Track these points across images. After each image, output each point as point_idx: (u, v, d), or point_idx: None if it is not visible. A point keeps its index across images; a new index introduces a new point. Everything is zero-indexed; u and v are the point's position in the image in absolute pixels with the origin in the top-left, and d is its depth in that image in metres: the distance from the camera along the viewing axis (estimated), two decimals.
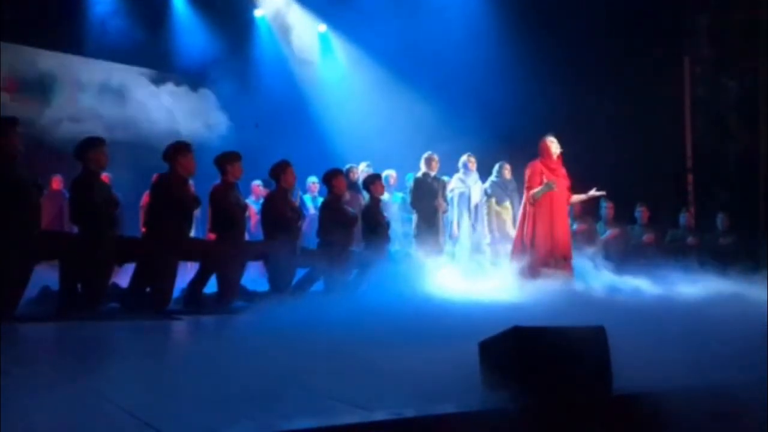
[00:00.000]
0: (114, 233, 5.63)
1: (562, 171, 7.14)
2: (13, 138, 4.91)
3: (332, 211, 6.89)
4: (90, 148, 5.46)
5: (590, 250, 7.84)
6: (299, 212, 6.83)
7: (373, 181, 7.41)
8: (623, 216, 9.26)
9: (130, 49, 10.21)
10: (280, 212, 6.47)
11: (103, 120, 8.15)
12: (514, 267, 6.88)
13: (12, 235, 4.79)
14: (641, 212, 9.21)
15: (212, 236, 6.64)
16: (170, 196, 5.79)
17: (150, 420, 2.03)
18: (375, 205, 7.31)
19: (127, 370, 2.83)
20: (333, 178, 6.99)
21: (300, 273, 6.71)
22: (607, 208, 9.02)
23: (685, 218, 9.41)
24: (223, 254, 6.04)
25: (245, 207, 6.57)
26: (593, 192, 7.53)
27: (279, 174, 6.63)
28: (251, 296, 6.24)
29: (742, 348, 3.07)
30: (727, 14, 10.17)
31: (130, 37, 10.14)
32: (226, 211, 6.18)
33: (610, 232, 8.85)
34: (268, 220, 6.54)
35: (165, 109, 9.14)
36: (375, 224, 7.17)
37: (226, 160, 6.30)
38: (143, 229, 6.33)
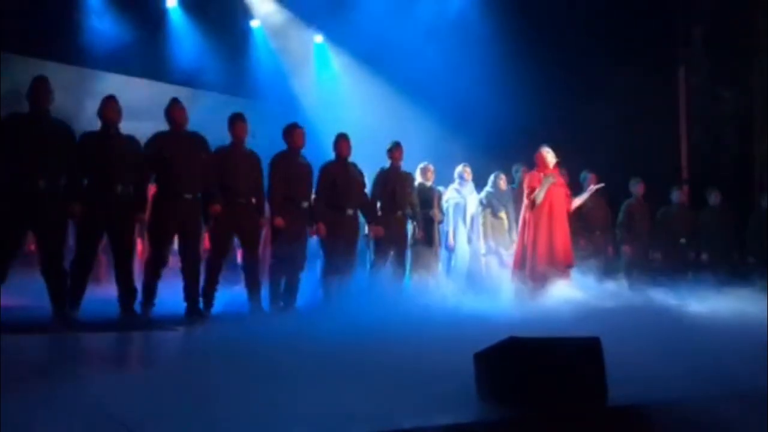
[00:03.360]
0: None
1: (560, 180, 7.16)
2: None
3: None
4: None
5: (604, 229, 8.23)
6: (309, 167, 6.80)
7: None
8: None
9: (125, 60, 10.22)
10: (288, 170, 6.55)
11: None
12: (516, 276, 6.87)
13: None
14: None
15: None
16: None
17: None
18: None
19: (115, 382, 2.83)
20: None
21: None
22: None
23: (677, 196, 9.27)
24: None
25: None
26: (593, 187, 7.52)
27: (288, 135, 6.72)
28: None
29: (740, 359, 3.08)
30: (722, 24, 10.21)
31: (124, 48, 10.15)
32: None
33: None
34: (276, 178, 6.52)
35: None
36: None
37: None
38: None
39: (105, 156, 5.57)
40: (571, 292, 6.32)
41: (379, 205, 7.22)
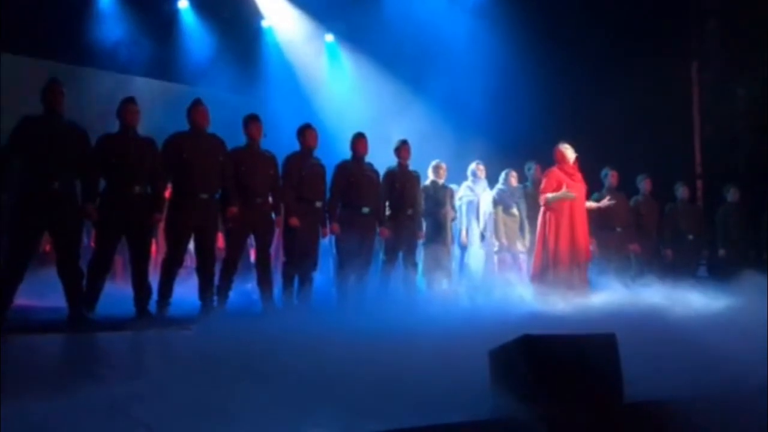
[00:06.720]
0: None
1: (579, 176, 7.13)
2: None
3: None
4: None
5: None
6: (322, 168, 6.78)
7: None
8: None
9: (137, 61, 10.28)
10: (301, 170, 6.56)
11: None
12: (538, 282, 6.79)
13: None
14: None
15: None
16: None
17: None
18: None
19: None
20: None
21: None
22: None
23: (682, 192, 9.16)
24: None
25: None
26: (605, 201, 7.52)
27: (301, 135, 6.73)
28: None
29: (757, 356, 3.05)
30: (735, 20, 10.13)
31: (136, 49, 10.21)
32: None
33: None
34: (287, 177, 6.55)
35: None
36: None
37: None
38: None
39: (124, 157, 5.60)
40: (588, 290, 6.31)
41: (387, 204, 7.21)
